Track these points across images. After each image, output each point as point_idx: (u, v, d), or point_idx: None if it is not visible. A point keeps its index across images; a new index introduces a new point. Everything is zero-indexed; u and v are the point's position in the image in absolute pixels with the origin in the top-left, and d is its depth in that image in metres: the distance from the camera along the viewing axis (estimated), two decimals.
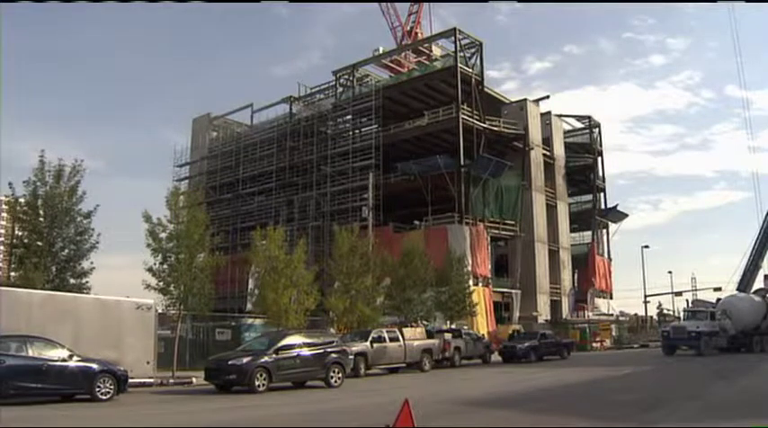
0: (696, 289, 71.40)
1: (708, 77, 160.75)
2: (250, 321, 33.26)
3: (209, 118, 68.37)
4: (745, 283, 43.63)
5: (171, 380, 22.63)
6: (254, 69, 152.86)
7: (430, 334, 31.08)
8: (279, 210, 55.98)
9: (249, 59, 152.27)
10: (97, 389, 16.21)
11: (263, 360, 19.50)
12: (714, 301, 42.46)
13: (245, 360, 19.49)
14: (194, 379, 22.43)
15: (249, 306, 35.87)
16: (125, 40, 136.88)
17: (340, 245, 32.53)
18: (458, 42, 52.85)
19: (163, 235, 24.54)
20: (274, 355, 19.81)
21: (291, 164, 57.09)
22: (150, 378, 21.23)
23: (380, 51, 61.91)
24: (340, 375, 21.37)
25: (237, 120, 68.38)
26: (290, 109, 60.54)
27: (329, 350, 21.50)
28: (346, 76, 58.57)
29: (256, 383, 18.97)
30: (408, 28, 67.64)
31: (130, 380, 17.99)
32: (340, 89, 58.45)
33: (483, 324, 44.63)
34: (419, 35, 66.68)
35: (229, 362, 19.62)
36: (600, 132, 69.55)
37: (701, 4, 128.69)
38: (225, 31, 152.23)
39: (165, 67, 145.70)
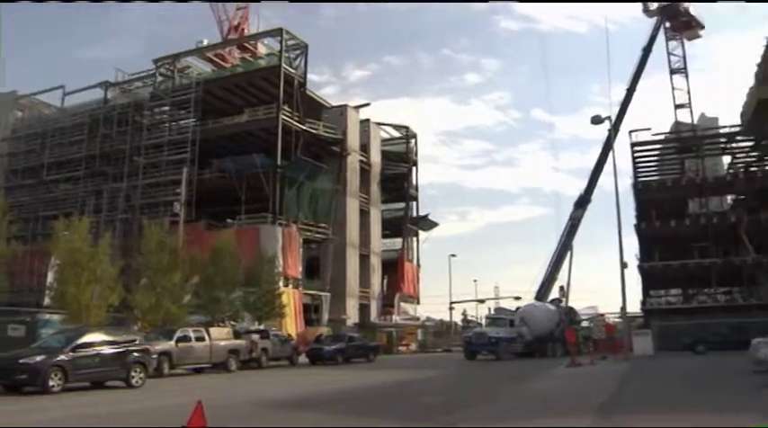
0: (498, 298, 75.71)
1: (517, 99, 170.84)
2: (47, 317, 31.44)
3: (14, 95, 63.13)
4: (542, 293, 46.93)
5: None
6: (67, 51, 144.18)
7: (237, 335, 31.13)
8: (86, 200, 53.07)
9: (63, 40, 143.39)
10: None
11: (58, 358, 18.57)
12: (514, 309, 45.28)
13: (38, 358, 18.46)
14: None
15: (47, 300, 33.97)
16: None
17: (148, 239, 31.79)
18: (283, 42, 52.88)
19: None
20: (71, 353, 18.91)
21: (102, 153, 54.62)
22: None
23: (205, 44, 60.61)
24: (142, 375, 20.77)
25: (47, 101, 63.88)
26: (105, 94, 57.79)
27: (131, 348, 20.84)
28: (167, 66, 56.78)
29: (50, 383, 18.01)
30: (236, 23, 66.44)
31: None
32: (160, 78, 56.62)
33: (292, 325, 44.90)
34: (245, 31, 65.91)
35: (20, 361, 18.46)
36: (416, 142, 72.04)
37: (512, 30, 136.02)
38: (35, 9, 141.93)
39: None
